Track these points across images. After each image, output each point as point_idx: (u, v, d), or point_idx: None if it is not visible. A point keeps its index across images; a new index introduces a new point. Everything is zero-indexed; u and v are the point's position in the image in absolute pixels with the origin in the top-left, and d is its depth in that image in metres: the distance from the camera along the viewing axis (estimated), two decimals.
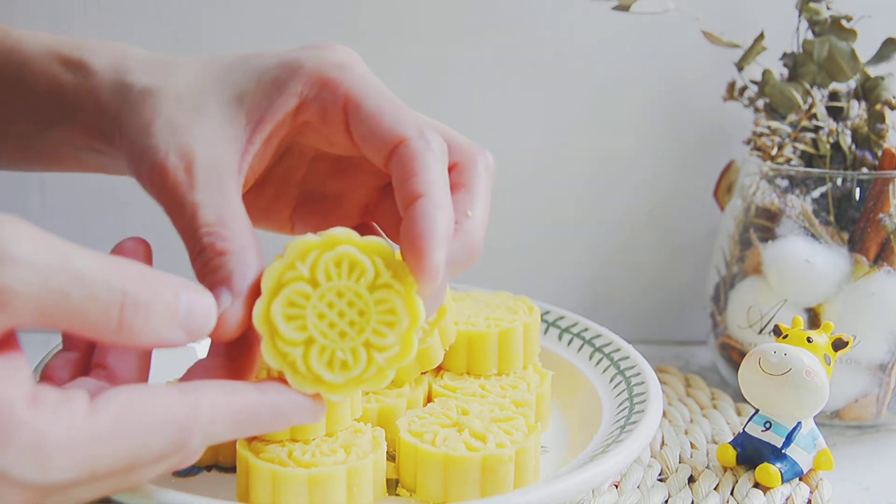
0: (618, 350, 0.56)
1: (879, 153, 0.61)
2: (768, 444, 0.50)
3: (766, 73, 0.64)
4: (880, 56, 0.64)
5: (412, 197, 0.38)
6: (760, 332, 0.60)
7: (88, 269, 0.32)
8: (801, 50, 0.64)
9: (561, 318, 0.60)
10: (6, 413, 0.30)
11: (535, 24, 0.72)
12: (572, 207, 0.75)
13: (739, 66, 0.66)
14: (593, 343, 0.57)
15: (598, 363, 0.56)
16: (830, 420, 0.59)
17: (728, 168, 0.70)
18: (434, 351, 0.51)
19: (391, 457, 0.47)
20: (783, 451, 0.50)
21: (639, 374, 0.52)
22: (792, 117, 0.62)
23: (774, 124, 0.62)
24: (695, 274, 0.75)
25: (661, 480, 0.51)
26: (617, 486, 0.50)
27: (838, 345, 0.51)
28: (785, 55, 0.65)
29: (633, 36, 0.72)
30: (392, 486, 0.46)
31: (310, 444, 0.44)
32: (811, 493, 0.50)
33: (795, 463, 0.50)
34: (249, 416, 0.35)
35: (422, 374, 0.53)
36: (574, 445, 0.51)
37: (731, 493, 0.50)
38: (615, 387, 0.53)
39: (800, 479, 0.51)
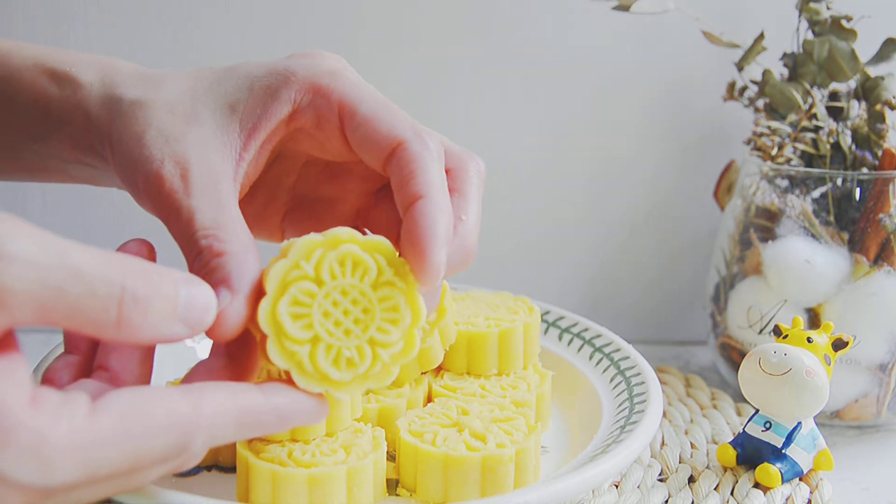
0: (618, 350, 0.56)
1: (879, 153, 0.61)
2: (768, 444, 0.50)
3: (766, 73, 0.64)
4: (880, 56, 0.64)
5: (413, 198, 0.39)
6: (760, 332, 0.60)
7: (87, 265, 0.31)
8: (801, 50, 0.63)
9: (561, 318, 0.60)
10: (5, 414, 0.30)
11: (536, 24, 0.72)
12: (572, 207, 0.75)
13: (739, 66, 0.66)
14: (593, 343, 0.58)
15: (598, 363, 0.56)
16: (830, 420, 0.59)
17: (728, 168, 0.70)
18: (434, 351, 0.51)
19: (391, 457, 0.47)
20: (783, 451, 0.50)
21: (639, 374, 0.52)
22: (792, 117, 0.62)
23: (774, 124, 0.61)
24: (695, 274, 0.75)
25: (661, 480, 0.51)
26: (617, 486, 0.50)
27: (838, 345, 0.51)
28: (785, 55, 0.65)
29: (633, 36, 0.72)
30: (392, 486, 0.46)
31: (310, 444, 0.44)
32: (811, 493, 0.50)
33: (795, 463, 0.50)
34: (252, 417, 0.35)
35: (422, 374, 0.53)
36: (574, 445, 0.51)
37: (731, 494, 0.50)
38: (615, 387, 0.53)
39: (800, 480, 0.51)
